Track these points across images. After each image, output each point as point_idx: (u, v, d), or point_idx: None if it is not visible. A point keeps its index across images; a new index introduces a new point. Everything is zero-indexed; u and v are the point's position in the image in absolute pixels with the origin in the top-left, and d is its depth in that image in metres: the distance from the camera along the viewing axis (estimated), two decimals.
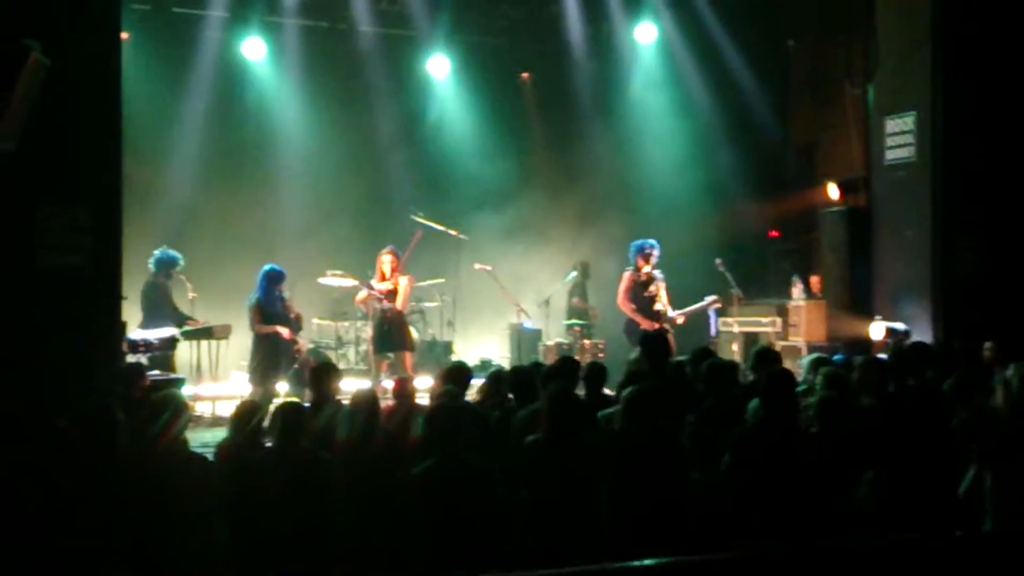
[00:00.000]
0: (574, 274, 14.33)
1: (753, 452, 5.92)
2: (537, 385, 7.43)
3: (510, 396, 7.60)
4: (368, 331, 12.39)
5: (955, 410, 6.57)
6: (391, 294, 11.75)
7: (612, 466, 6.03)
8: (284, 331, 11.17)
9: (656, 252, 11.99)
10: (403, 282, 11.86)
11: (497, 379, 7.85)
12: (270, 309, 11.21)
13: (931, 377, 7.58)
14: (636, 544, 5.61)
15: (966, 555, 4.41)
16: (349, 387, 11.43)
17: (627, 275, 12.04)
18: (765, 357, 7.83)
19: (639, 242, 12.11)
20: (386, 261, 11.85)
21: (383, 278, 11.86)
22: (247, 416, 6.47)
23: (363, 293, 12.05)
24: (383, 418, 7.15)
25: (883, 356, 8.43)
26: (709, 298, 12.51)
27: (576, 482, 5.88)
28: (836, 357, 8.90)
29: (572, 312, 14.26)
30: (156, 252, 11.95)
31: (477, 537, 5.60)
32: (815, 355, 8.27)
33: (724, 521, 5.95)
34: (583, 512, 5.85)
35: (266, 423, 9.76)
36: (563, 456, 5.91)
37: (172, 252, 11.99)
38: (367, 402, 6.74)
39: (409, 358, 11.87)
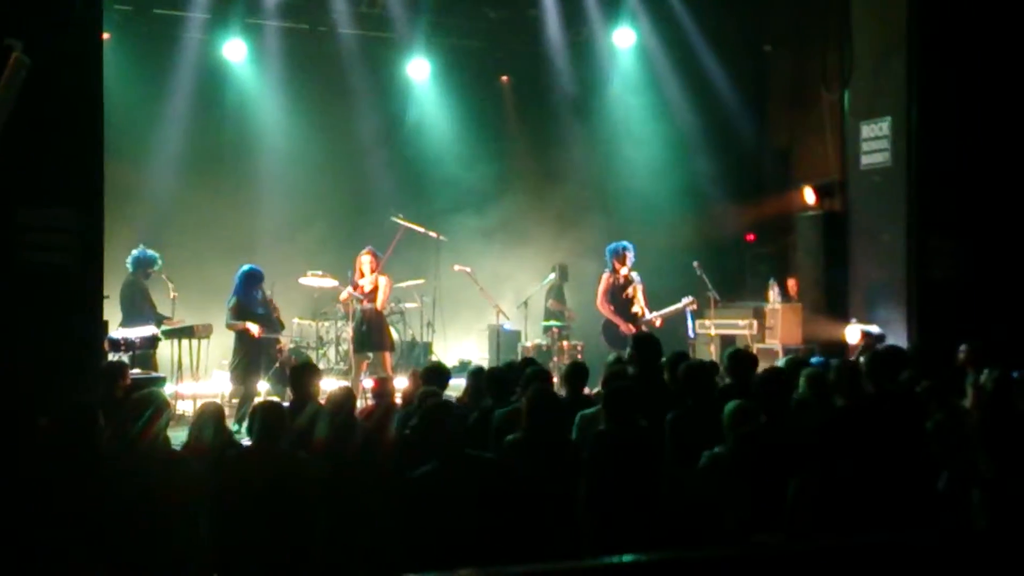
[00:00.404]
0: (552, 276, 14.41)
1: (752, 451, 5.97)
2: (514, 384, 7.52)
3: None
4: (348, 331, 12.43)
5: (929, 412, 6.66)
6: (371, 294, 11.82)
7: (593, 465, 6.09)
8: (254, 328, 11.17)
9: (631, 254, 12.11)
10: (383, 282, 11.92)
11: (478, 378, 7.94)
12: (250, 309, 11.25)
13: (905, 380, 7.67)
14: (616, 541, 5.68)
15: (945, 554, 4.47)
16: (329, 387, 11.55)
17: (605, 277, 12.14)
18: (739, 359, 7.92)
19: (614, 244, 12.23)
20: (365, 261, 11.93)
21: (362, 278, 11.93)
22: (219, 418, 6.52)
23: (345, 292, 12.12)
24: (362, 417, 7.22)
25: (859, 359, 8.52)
26: (685, 300, 12.61)
27: (556, 480, 5.93)
28: (813, 360, 9.00)
29: (549, 314, 14.33)
30: (134, 251, 11.96)
31: (491, 529, 5.59)
32: (789, 357, 8.36)
33: (704, 518, 6.02)
34: (562, 510, 5.91)
35: (243, 422, 9.88)
36: (543, 455, 5.96)
37: (150, 251, 12.01)
38: (343, 401, 6.81)
39: (388, 358, 11.94)
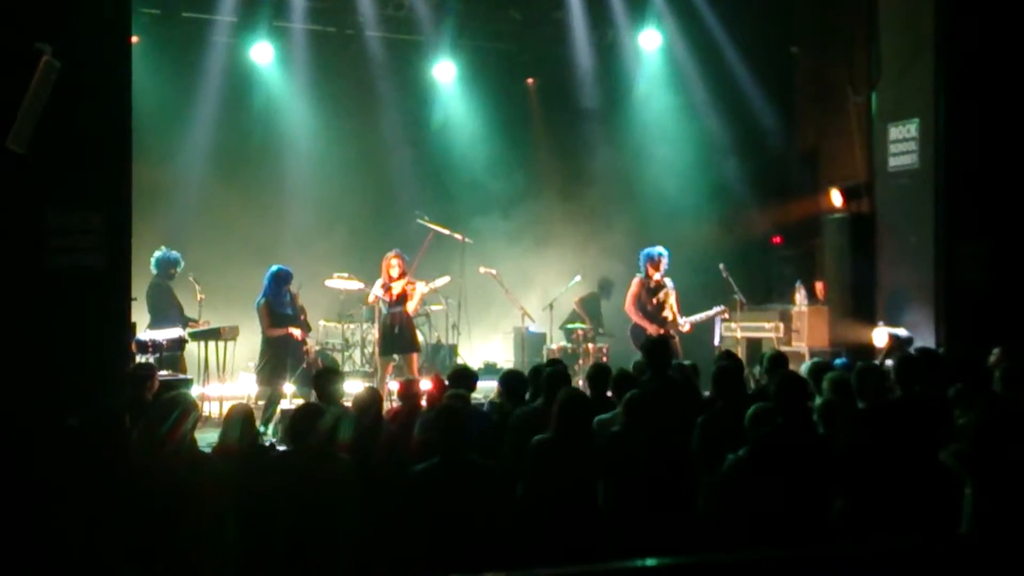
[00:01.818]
0: (578, 278, 14.36)
1: (771, 455, 5.95)
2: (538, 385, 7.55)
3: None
4: (375, 333, 12.47)
5: (958, 415, 6.62)
6: (400, 297, 11.85)
7: (612, 467, 6.09)
8: (296, 332, 11.30)
9: (666, 260, 12.15)
10: (420, 288, 12.01)
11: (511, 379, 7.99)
12: (279, 310, 11.30)
13: (936, 383, 7.62)
14: (638, 544, 5.68)
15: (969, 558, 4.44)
16: (354, 389, 11.59)
17: (636, 281, 12.16)
18: (778, 362, 7.93)
19: (649, 250, 12.23)
20: (394, 264, 11.95)
21: (389, 280, 11.95)
22: (249, 419, 6.55)
23: (373, 295, 12.12)
24: (387, 419, 7.25)
25: (889, 361, 8.46)
26: (717, 308, 12.62)
27: (580, 482, 5.94)
28: (838, 361, 8.97)
29: (573, 315, 14.32)
30: (156, 253, 12.04)
31: (480, 536, 5.65)
32: (815, 360, 8.33)
33: (727, 523, 6.00)
34: (586, 511, 5.92)
35: (269, 424, 9.92)
36: (570, 456, 5.98)
37: (172, 252, 12.08)
38: (369, 403, 6.83)
39: (416, 360, 11.99)
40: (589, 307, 14.41)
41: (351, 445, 6.37)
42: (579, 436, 6.13)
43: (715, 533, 5.98)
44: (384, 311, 12.00)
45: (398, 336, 11.82)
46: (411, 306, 11.95)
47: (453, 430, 5.92)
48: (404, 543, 5.83)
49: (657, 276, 12.09)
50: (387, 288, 11.97)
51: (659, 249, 12.22)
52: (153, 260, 11.98)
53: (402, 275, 11.96)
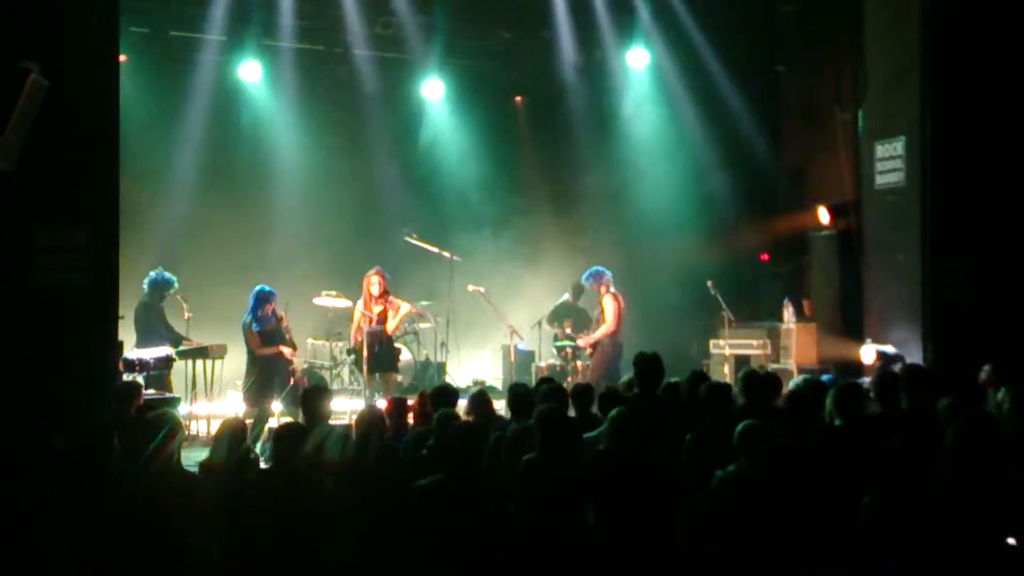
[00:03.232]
0: (567, 296, 14.34)
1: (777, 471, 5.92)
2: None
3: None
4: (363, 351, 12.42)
5: (946, 430, 6.61)
6: (382, 317, 11.88)
7: (598, 486, 6.07)
8: (287, 351, 11.29)
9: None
10: (403, 308, 12.03)
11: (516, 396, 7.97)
12: (264, 329, 11.29)
13: (923, 399, 7.62)
14: (623, 564, 5.66)
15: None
16: (344, 407, 11.59)
17: (616, 298, 12.29)
18: (751, 380, 7.91)
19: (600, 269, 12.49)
20: (374, 282, 11.94)
21: (370, 299, 11.95)
22: (238, 435, 6.52)
23: (358, 315, 12.07)
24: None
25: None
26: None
27: (566, 501, 5.92)
28: (824, 378, 8.98)
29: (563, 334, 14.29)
30: (152, 273, 12.02)
31: (483, 553, 5.61)
32: (803, 377, 8.33)
33: (714, 542, 5.98)
34: (573, 531, 5.89)
35: (258, 442, 9.89)
36: (555, 475, 5.95)
37: (167, 274, 12.06)
38: (375, 421, 6.80)
39: (392, 380, 12.03)
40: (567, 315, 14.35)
41: (341, 464, 6.36)
42: (562, 454, 6.10)
43: (698, 553, 5.95)
44: (365, 329, 11.97)
45: (377, 355, 11.82)
46: (391, 325, 11.96)
47: (462, 451, 5.86)
48: (403, 561, 5.80)
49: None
50: (367, 306, 11.97)
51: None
52: (147, 280, 11.96)
53: (383, 294, 11.95)
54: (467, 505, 5.69)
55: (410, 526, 5.74)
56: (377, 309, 11.92)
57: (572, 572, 5.67)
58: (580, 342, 12.79)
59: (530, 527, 5.88)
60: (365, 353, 12.02)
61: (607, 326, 12.37)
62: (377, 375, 11.96)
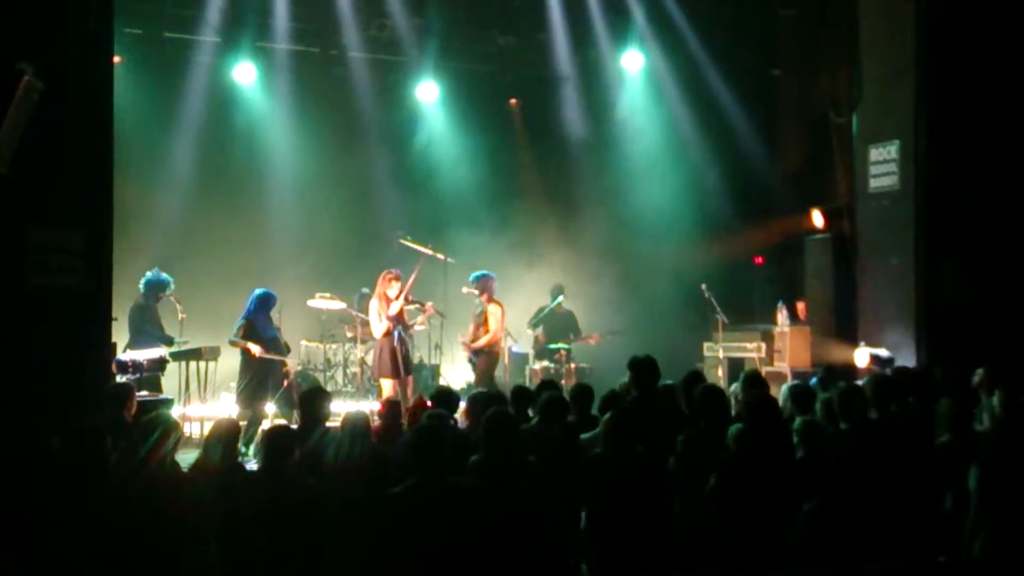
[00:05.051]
0: (561, 298, 14.31)
1: (738, 476, 5.95)
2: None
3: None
4: (356, 353, 12.40)
5: (938, 434, 6.63)
6: (397, 317, 11.69)
7: (593, 488, 6.08)
8: (255, 348, 11.06)
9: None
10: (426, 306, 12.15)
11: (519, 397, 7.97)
12: (257, 332, 11.20)
13: (913, 403, 7.64)
14: (619, 566, 5.67)
15: None
16: (340, 409, 11.51)
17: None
18: (754, 382, 7.92)
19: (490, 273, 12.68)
20: (395, 285, 11.75)
21: (389, 301, 11.70)
22: (230, 437, 6.50)
23: (386, 314, 11.80)
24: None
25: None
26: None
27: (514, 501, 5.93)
28: (812, 381, 9.00)
29: (558, 336, 14.25)
30: (148, 274, 11.98)
31: (459, 555, 5.61)
32: (793, 383, 8.33)
33: (707, 545, 5.99)
34: (567, 533, 5.91)
35: (251, 445, 9.88)
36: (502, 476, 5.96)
37: (163, 275, 12.03)
38: (363, 424, 6.78)
39: (411, 382, 11.94)
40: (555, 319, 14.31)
41: (337, 465, 6.35)
42: (508, 455, 6.10)
43: (693, 551, 5.96)
44: (394, 332, 11.67)
45: (406, 357, 11.72)
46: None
47: (431, 451, 5.84)
48: (386, 565, 5.80)
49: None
50: (388, 306, 11.74)
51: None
52: (143, 281, 11.92)
53: (398, 295, 11.78)
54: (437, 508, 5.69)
55: (387, 530, 5.72)
56: (395, 310, 11.70)
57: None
58: (461, 340, 12.68)
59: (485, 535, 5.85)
60: (386, 355, 11.75)
61: (491, 335, 12.32)
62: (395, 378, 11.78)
